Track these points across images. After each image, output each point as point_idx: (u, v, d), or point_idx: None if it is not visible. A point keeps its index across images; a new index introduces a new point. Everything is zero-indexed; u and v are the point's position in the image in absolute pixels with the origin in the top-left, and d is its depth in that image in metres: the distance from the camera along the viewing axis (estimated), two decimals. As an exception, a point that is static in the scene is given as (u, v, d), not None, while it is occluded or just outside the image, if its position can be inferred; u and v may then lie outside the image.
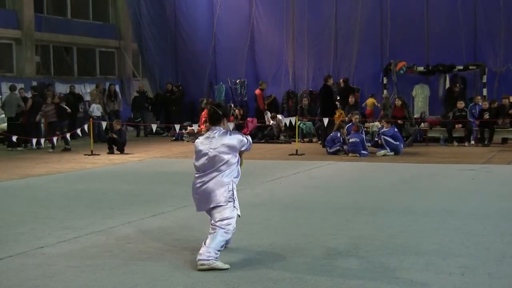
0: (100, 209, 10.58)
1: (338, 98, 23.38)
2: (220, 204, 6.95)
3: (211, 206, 6.98)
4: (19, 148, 22.12)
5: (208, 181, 7.01)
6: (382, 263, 6.89)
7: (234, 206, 7.02)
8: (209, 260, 6.66)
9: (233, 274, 6.50)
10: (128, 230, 8.81)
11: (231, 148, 7.08)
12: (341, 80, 24.76)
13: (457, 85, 23.09)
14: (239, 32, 28.56)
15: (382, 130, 19.59)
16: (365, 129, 21.06)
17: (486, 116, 21.36)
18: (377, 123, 21.49)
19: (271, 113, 25.17)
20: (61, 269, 6.82)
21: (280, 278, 6.37)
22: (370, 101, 24.66)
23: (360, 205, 10.70)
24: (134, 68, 33.87)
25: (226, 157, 7.03)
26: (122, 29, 33.80)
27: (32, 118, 22.84)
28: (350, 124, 19.93)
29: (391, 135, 19.17)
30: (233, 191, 7.04)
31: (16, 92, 23.05)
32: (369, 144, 19.97)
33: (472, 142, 21.71)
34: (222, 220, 6.88)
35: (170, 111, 28.16)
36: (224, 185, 6.99)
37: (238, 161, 7.20)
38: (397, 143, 19.14)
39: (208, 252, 6.70)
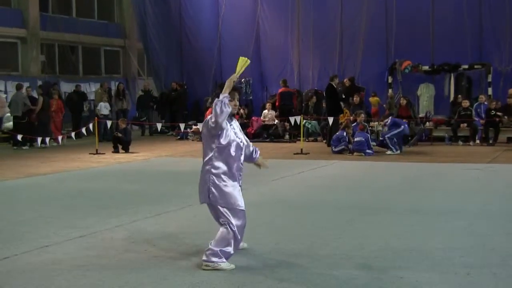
0: (105, 208, 10.59)
1: (344, 97, 23.36)
2: (203, 202, 6.90)
3: (200, 202, 6.98)
4: (24, 147, 22.15)
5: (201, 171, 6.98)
6: (386, 263, 6.88)
7: (220, 206, 6.74)
8: (213, 262, 6.66)
9: (238, 274, 6.50)
10: (133, 229, 8.82)
11: (203, 136, 6.94)
12: (347, 79, 24.74)
13: (459, 96, 23.08)
14: (244, 32, 28.57)
15: (384, 130, 19.77)
16: (370, 128, 21.06)
17: (499, 114, 21.39)
18: (381, 123, 21.49)
19: (275, 113, 25.17)
20: (66, 268, 6.83)
21: (285, 278, 6.37)
22: (374, 100, 24.64)
23: (364, 204, 10.70)
24: (139, 67, 33.90)
25: (203, 145, 6.92)
26: (127, 28, 33.85)
27: (41, 117, 22.97)
28: (356, 123, 19.92)
29: (392, 125, 19.32)
30: (209, 185, 6.75)
31: (23, 91, 23.12)
32: (374, 144, 19.98)
33: (477, 141, 21.69)
34: (220, 219, 6.81)
35: (175, 109, 28.17)
36: (203, 177, 6.82)
37: (211, 149, 6.77)
38: (401, 128, 19.28)
39: (212, 253, 6.69)
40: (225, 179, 6.78)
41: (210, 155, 6.78)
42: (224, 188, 6.76)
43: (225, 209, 6.74)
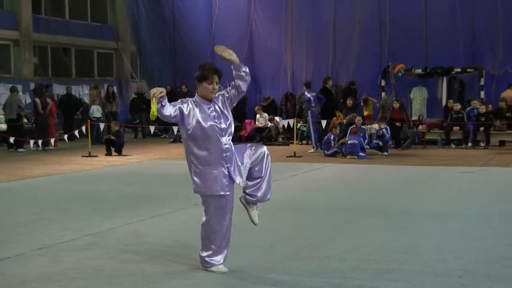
0: (99, 210, 10.57)
1: (342, 101, 23.48)
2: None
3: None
4: (19, 150, 22.14)
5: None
6: (380, 265, 6.89)
7: (201, 194, 6.61)
8: (203, 265, 6.73)
9: (232, 276, 6.50)
10: (126, 232, 8.81)
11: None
12: (348, 82, 24.88)
13: (450, 100, 23.23)
14: (238, 34, 28.55)
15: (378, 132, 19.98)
16: (363, 127, 21.10)
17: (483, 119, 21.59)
18: (375, 125, 21.53)
19: (269, 115, 25.15)
20: (59, 270, 6.81)
21: (279, 280, 6.37)
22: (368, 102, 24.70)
23: (358, 207, 10.71)
24: (132, 70, 33.85)
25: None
26: (120, 30, 33.80)
27: (40, 119, 23.02)
28: (353, 126, 19.93)
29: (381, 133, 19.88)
30: (192, 175, 6.61)
31: (20, 93, 23.18)
32: (368, 147, 20.05)
33: (469, 144, 21.77)
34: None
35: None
36: (188, 167, 6.70)
37: (187, 138, 6.58)
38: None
39: (200, 259, 6.76)
40: (205, 165, 6.54)
41: (188, 144, 6.60)
42: (203, 176, 6.54)
43: (208, 198, 6.59)
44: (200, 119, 6.49)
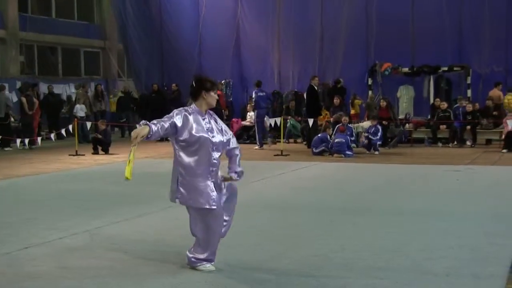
0: (86, 209, 10.54)
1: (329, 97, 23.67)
2: (172, 201, 6.73)
3: (170, 199, 6.80)
4: (6, 148, 22.06)
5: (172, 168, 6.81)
6: (367, 263, 6.90)
7: (190, 206, 6.60)
8: (191, 264, 6.73)
9: (219, 275, 6.50)
10: (113, 231, 8.79)
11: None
12: (335, 81, 24.97)
13: (437, 99, 23.36)
14: (225, 33, 28.56)
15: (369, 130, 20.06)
16: (350, 125, 21.14)
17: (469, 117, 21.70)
18: (365, 123, 21.60)
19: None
20: (46, 270, 6.78)
21: (266, 279, 6.37)
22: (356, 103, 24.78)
23: (346, 206, 10.73)
24: (119, 69, 33.75)
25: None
26: (107, 29, 33.71)
27: (26, 118, 22.97)
28: (340, 124, 19.98)
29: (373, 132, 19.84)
30: (178, 184, 6.56)
31: (6, 92, 23.07)
32: (354, 145, 20.09)
33: (455, 142, 21.87)
34: (191, 223, 6.74)
35: (168, 110, 28.03)
36: (173, 175, 6.63)
37: (176, 148, 6.57)
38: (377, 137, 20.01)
39: (188, 259, 6.75)
40: (192, 177, 6.49)
41: (177, 152, 6.56)
42: (190, 187, 6.50)
43: (194, 210, 6.58)
44: (194, 130, 6.48)
